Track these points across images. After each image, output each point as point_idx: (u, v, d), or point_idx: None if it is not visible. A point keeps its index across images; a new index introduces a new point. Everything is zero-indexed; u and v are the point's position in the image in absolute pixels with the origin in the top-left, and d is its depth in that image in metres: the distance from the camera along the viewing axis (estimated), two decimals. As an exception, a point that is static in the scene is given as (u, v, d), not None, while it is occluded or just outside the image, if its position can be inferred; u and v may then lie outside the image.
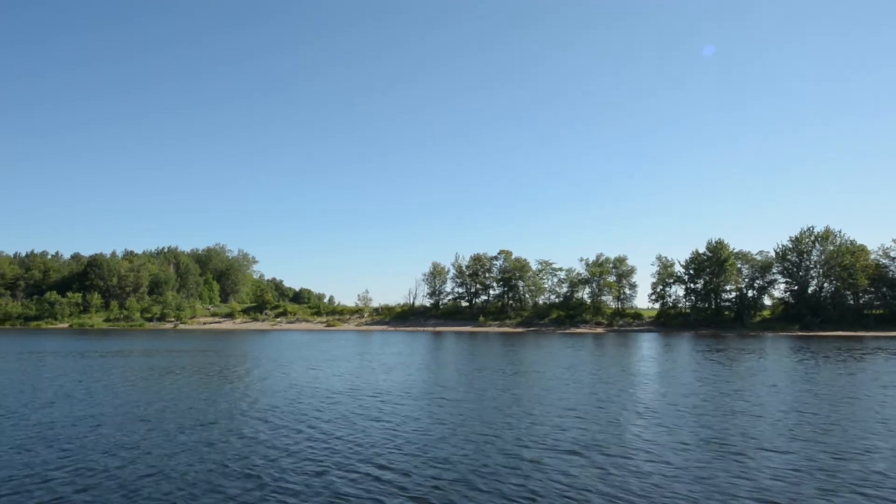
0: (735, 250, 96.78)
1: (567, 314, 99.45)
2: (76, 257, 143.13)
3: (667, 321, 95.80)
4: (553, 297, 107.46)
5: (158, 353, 44.40)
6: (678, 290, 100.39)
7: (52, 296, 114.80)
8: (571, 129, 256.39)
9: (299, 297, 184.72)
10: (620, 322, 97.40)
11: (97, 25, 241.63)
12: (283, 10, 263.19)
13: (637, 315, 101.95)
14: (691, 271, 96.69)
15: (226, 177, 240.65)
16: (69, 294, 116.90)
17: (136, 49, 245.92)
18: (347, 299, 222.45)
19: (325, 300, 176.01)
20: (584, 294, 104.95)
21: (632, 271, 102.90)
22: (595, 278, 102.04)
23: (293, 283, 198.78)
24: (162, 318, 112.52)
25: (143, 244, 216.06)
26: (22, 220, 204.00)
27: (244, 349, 49.88)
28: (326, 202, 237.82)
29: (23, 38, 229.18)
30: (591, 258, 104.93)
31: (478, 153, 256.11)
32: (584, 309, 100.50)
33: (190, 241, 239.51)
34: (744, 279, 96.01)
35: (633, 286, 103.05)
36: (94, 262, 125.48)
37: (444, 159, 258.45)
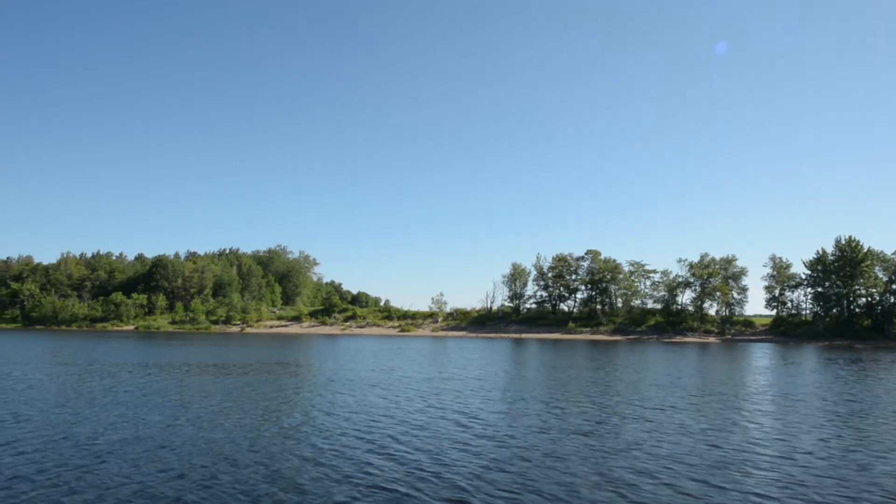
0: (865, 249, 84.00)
1: (667, 321, 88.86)
2: (140, 258, 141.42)
3: (787, 330, 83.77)
4: (651, 301, 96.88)
5: (268, 370, 37.21)
6: (799, 295, 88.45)
7: (118, 297, 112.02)
8: (649, 127, 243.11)
9: (357, 300, 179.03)
10: (732, 331, 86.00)
11: (164, 17, 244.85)
12: (348, 7, 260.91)
13: (748, 322, 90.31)
14: (818, 273, 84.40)
15: (285, 177, 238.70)
16: (134, 295, 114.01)
17: (200, 44, 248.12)
18: (407, 303, 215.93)
19: (382, 303, 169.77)
20: (685, 298, 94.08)
21: (742, 273, 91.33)
22: (699, 280, 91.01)
23: (350, 286, 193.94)
24: (227, 320, 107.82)
25: (204, 245, 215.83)
26: (89, 221, 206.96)
27: (346, 363, 42.24)
28: (388, 204, 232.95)
29: (81, 30, 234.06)
30: (692, 258, 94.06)
31: (550, 148, 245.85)
32: (688, 315, 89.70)
33: (246, 242, 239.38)
34: (882, 283, 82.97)
35: (742, 290, 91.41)
36: (160, 263, 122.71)
37: (517, 156, 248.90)
